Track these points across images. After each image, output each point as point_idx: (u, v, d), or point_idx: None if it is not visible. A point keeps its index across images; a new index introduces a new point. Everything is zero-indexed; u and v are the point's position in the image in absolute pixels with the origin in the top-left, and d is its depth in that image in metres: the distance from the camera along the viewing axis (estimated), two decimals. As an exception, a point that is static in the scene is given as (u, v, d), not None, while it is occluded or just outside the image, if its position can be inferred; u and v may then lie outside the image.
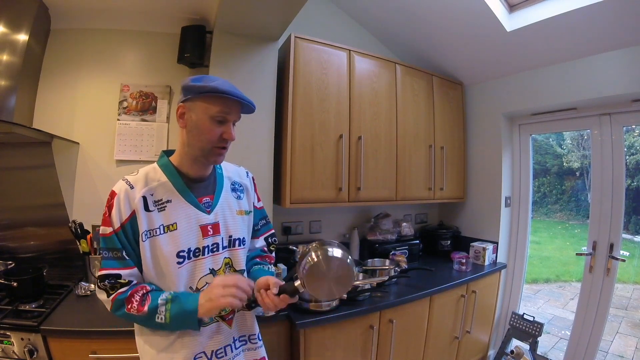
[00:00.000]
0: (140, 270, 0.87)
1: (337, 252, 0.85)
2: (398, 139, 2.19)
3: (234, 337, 0.95)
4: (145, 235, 0.84)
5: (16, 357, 1.23)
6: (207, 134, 0.86)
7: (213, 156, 0.90)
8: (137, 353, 0.93)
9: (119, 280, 0.83)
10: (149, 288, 0.85)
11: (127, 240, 0.84)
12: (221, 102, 0.86)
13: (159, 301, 0.82)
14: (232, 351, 0.93)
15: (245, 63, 1.78)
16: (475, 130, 2.62)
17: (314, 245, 0.87)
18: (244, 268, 1.01)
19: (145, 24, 1.89)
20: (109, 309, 0.86)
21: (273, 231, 1.18)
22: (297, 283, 0.84)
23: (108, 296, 0.83)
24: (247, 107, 0.91)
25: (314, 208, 2.19)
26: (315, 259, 0.83)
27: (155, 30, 1.91)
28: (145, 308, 0.81)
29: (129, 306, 0.82)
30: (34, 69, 1.68)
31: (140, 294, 0.83)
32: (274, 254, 1.18)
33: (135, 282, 0.86)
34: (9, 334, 1.23)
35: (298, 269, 0.85)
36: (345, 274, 0.86)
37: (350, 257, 0.88)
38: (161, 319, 0.81)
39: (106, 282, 0.83)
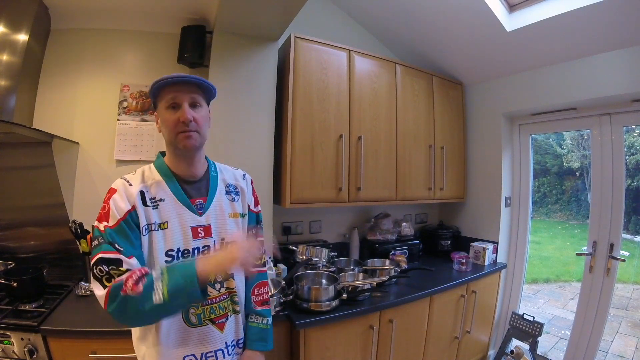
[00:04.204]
0: (141, 263, 0.83)
1: None
2: (398, 139, 2.19)
3: (226, 343, 0.93)
4: (145, 229, 0.86)
5: (16, 357, 1.23)
6: (167, 123, 0.89)
7: (181, 142, 0.89)
8: (136, 353, 0.93)
9: (120, 268, 0.76)
10: (147, 271, 0.78)
11: (125, 233, 0.82)
12: (166, 89, 0.88)
13: (154, 275, 0.76)
14: (224, 357, 0.92)
15: (245, 63, 1.78)
16: (475, 130, 2.62)
17: None
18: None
19: (145, 24, 1.89)
20: (103, 304, 0.76)
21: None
22: None
23: (104, 288, 0.76)
24: (206, 88, 0.92)
25: (314, 208, 2.19)
26: None
27: (155, 30, 1.90)
28: (140, 287, 0.73)
29: (125, 287, 0.73)
30: (34, 69, 1.68)
31: (137, 275, 0.76)
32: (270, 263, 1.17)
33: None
34: (9, 334, 1.23)
35: None
36: None
37: None
38: (158, 296, 0.73)
39: (103, 267, 0.76)
